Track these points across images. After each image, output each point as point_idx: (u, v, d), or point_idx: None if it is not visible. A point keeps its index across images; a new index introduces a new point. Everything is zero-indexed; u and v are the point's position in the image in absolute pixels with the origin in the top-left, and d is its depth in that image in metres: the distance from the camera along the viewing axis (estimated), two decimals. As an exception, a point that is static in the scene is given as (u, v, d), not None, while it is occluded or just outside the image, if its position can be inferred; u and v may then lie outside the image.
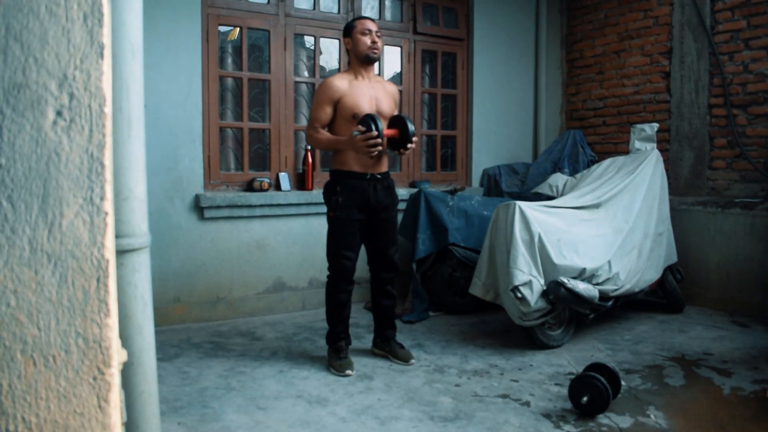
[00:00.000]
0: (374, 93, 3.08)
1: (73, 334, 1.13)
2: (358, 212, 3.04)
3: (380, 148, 2.91)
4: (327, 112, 3.02)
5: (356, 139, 2.86)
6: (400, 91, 4.76)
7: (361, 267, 3.45)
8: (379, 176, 3.07)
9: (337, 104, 3.01)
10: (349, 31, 3.08)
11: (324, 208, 4.21)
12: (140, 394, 1.78)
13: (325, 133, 3.04)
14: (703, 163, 4.40)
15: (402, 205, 4.02)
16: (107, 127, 1.15)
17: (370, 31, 3.03)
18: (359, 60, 3.06)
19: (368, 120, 2.88)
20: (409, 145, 2.97)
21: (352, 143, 2.89)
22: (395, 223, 3.24)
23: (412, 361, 3.19)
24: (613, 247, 3.56)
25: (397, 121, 3.04)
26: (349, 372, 3.03)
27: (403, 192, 4.28)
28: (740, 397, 2.73)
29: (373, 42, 3.03)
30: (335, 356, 3.12)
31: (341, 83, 3.02)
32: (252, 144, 4.26)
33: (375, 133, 2.83)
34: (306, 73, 4.50)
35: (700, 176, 4.42)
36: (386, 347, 3.29)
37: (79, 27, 1.12)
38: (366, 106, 3.01)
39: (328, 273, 3.16)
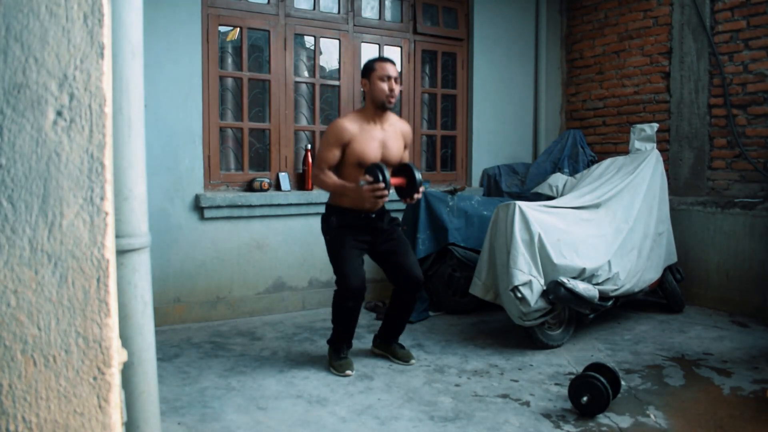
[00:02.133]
0: (384, 138, 3.03)
1: (73, 334, 1.13)
2: (354, 234, 3.03)
3: (386, 199, 2.92)
4: (335, 154, 2.97)
5: (363, 189, 2.85)
6: (400, 91, 4.76)
7: (369, 264, 3.43)
8: (373, 215, 3.07)
9: (345, 147, 2.98)
10: (367, 73, 3.01)
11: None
12: (140, 393, 1.78)
13: (332, 176, 2.99)
14: (702, 163, 4.40)
15: (403, 205, 4.02)
16: (107, 127, 1.15)
17: (389, 78, 2.96)
18: (374, 105, 3.00)
19: (376, 170, 2.86)
20: (416, 195, 2.96)
21: (359, 192, 2.88)
22: (402, 236, 3.19)
23: (413, 361, 3.20)
24: (613, 247, 3.56)
25: (404, 170, 3.02)
26: (349, 372, 3.03)
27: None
28: (740, 397, 2.73)
29: (391, 90, 2.96)
30: (335, 356, 3.12)
31: (352, 127, 2.97)
32: (252, 144, 4.27)
33: (382, 185, 2.83)
34: (306, 73, 4.50)
35: (699, 176, 4.42)
36: (387, 348, 3.29)
37: (80, 27, 1.12)
38: (372, 155, 2.98)
39: (339, 294, 3.05)
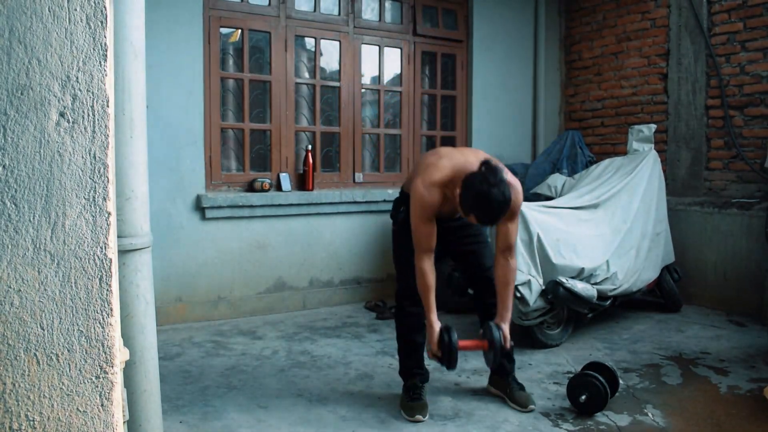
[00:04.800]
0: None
1: (76, 333, 1.14)
2: None
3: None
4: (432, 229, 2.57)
5: (427, 344, 2.55)
6: (400, 93, 4.78)
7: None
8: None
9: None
10: (472, 209, 2.35)
11: (326, 209, 4.30)
12: (142, 392, 1.80)
13: (431, 278, 2.63)
14: (700, 163, 4.42)
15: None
16: (110, 128, 1.16)
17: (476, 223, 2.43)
18: (455, 206, 2.50)
19: (445, 349, 2.47)
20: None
21: (427, 335, 2.55)
22: (482, 233, 2.84)
23: (531, 406, 2.63)
24: (612, 246, 3.57)
25: (486, 333, 2.59)
26: (419, 417, 2.52)
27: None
28: (737, 395, 2.74)
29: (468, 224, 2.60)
30: (406, 395, 2.66)
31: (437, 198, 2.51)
32: (253, 145, 4.28)
33: (442, 366, 2.50)
34: (307, 75, 4.52)
35: (697, 177, 4.44)
36: (503, 387, 2.77)
37: (82, 29, 1.13)
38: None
39: (396, 295, 2.81)
